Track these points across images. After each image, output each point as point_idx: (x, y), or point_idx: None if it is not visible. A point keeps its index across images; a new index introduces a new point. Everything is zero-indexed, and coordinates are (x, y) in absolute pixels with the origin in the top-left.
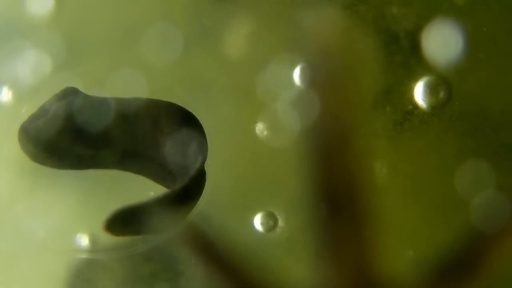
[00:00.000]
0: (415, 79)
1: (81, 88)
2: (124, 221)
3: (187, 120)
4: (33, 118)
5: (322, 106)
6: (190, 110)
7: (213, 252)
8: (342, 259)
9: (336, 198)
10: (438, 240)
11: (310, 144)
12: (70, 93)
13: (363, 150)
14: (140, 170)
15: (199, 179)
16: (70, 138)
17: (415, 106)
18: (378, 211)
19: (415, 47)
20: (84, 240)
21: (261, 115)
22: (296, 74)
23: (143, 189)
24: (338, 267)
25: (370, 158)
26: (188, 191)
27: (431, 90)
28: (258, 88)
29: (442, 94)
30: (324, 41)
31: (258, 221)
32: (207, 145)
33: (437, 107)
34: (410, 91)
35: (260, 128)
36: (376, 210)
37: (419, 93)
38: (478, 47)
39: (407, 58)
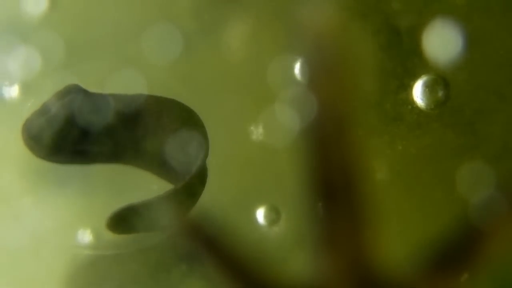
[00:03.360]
0: (414, 78)
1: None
2: (126, 220)
3: (188, 116)
4: (36, 115)
5: (317, 98)
6: (192, 107)
7: (216, 248)
8: (339, 250)
9: (333, 189)
10: (433, 232)
11: (306, 137)
12: (72, 90)
13: (360, 143)
14: (142, 166)
15: (201, 175)
16: (73, 135)
17: (413, 105)
18: (375, 204)
19: (415, 45)
20: (87, 236)
21: (263, 111)
22: (298, 71)
23: (146, 183)
24: (334, 258)
25: (368, 153)
26: (190, 188)
27: (429, 89)
28: (259, 85)
29: (440, 94)
30: (320, 35)
31: (261, 215)
32: (208, 141)
33: (435, 107)
34: (408, 90)
35: (262, 123)
36: (373, 202)
37: (417, 92)
38: (477, 47)
39: (407, 56)
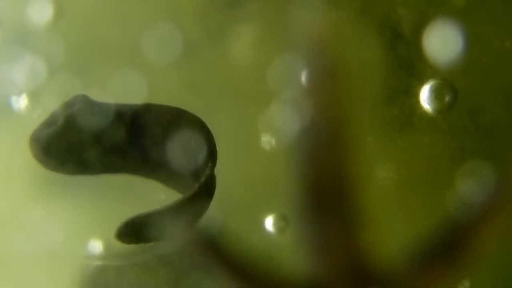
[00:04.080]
0: (421, 83)
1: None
2: (136, 230)
3: (196, 125)
4: (44, 125)
5: (318, 104)
6: (198, 115)
7: (225, 256)
8: (334, 251)
9: (324, 191)
10: (428, 230)
11: (303, 141)
12: (79, 101)
13: (356, 147)
14: (150, 175)
15: (209, 184)
16: (81, 145)
17: (420, 109)
18: (371, 204)
19: (421, 50)
20: (97, 247)
21: (269, 118)
22: (303, 76)
23: (155, 192)
24: (330, 259)
25: (372, 156)
26: (199, 197)
27: (436, 94)
28: (266, 91)
29: (447, 98)
30: (320, 41)
31: (269, 223)
32: (216, 150)
33: (442, 111)
34: (415, 94)
35: (270, 130)
36: (368, 202)
37: (424, 96)
38: (484, 51)
39: (413, 61)
